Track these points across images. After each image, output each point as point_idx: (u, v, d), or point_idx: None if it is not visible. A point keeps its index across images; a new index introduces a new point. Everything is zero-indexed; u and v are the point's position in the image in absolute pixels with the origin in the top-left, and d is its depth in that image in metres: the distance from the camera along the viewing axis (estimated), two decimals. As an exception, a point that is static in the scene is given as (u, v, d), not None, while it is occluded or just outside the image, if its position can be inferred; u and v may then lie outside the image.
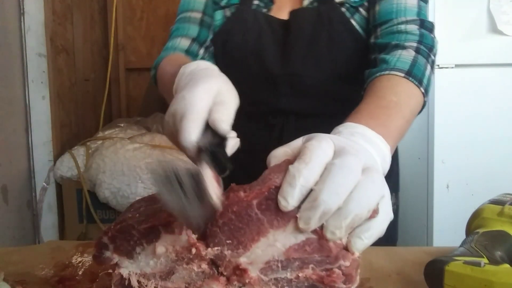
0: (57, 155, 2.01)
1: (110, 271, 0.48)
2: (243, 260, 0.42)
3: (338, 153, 0.42)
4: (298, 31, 0.84)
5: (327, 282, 0.41)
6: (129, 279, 0.47)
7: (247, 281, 0.43)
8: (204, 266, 0.44)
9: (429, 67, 0.72)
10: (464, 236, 0.62)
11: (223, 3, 0.89)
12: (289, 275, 0.42)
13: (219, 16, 0.90)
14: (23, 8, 1.87)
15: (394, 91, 0.66)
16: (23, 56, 1.89)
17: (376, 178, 0.41)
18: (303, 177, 0.40)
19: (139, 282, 0.47)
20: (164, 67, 0.80)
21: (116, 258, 0.47)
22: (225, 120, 0.48)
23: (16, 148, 1.85)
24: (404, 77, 0.68)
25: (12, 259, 0.69)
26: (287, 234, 0.41)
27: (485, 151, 1.70)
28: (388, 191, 0.44)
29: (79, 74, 2.36)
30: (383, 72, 0.69)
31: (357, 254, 0.42)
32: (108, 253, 0.47)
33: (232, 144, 0.49)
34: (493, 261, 0.52)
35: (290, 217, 0.41)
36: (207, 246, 0.43)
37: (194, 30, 0.89)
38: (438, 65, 1.65)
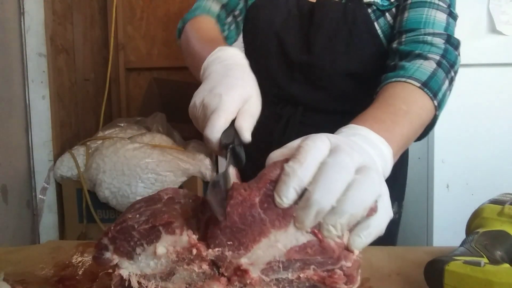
0: (57, 155, 2.01)
1: (110, 271, 0.48)
2: (244, 261, 0.42)
3: (332, 152, 0.42)
4: (321, 22, 0.84)
5: (328, 283, 0.41)
6: (129, 280, 0.47)
7: (248, 281, 0.43)
8: (205, 266, 0.44)
9: (447, 82, 0.71)
10: (464, 236, 0.62)
11: None
12: (290, 275, 0.42)
13: None
14: (23, 8, 1.87)
15: (405, 100, 0.64)
16: (23, 56, 1.89)
17: (373, 177, 0.41)
18: (297, 176, 0.40)
19: (139, 283, 0.47)
20: (192, 33, 0.81)
21: (116, 259, 0.47)
22: (249, 129, 0.55)
23: (16, 148, 1.85)
24: (419, 87, 0.67)
25: (12, 259, 0.69)
26: (288, 234, 0.41)
27: (485, 151, 1.70)
28: (386, 190, 0.44)
29: (79, 74, 2.35)
30: (399, 79, 0.68)
31: (356, 252, 0.42)
32: (108, 254, 0.47)
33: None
34: (493, 261, 0.52)
35: (291, 217, 0.41)
36: (208, 247, 0.43)
37: None
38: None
